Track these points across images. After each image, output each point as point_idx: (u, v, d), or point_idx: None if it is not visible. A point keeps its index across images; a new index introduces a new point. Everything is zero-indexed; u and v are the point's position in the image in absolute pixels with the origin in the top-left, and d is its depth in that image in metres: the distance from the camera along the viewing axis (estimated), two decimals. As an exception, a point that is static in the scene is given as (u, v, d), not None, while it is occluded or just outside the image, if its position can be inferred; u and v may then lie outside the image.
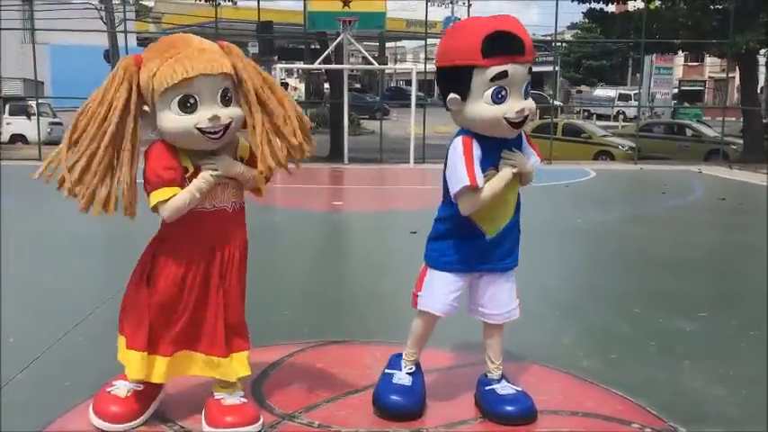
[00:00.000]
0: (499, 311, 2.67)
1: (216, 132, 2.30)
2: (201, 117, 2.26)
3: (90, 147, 2.28)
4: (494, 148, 2.48)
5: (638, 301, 4.37)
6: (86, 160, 2.28)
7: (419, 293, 2.66)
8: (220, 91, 2.30)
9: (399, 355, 2.80)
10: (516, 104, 2.38)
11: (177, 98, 2.25)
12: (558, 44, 22.01)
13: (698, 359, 3.39)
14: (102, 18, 19.92)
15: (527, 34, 2.39)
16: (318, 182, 11.97)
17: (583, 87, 52.01)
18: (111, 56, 19.84)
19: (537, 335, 3.71)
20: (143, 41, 29.70)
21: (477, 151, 2.43)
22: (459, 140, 2.45)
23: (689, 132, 19.71)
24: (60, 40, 20.25)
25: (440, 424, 2.62)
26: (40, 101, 17.08)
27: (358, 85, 40.87)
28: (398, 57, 57.10)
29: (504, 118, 2.38)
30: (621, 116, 35.96)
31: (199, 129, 2.27)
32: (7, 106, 19.70)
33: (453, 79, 2.41)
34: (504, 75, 2.34)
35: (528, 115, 2.43)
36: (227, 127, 2.32)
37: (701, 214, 8.62)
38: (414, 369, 2.75)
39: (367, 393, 2.80)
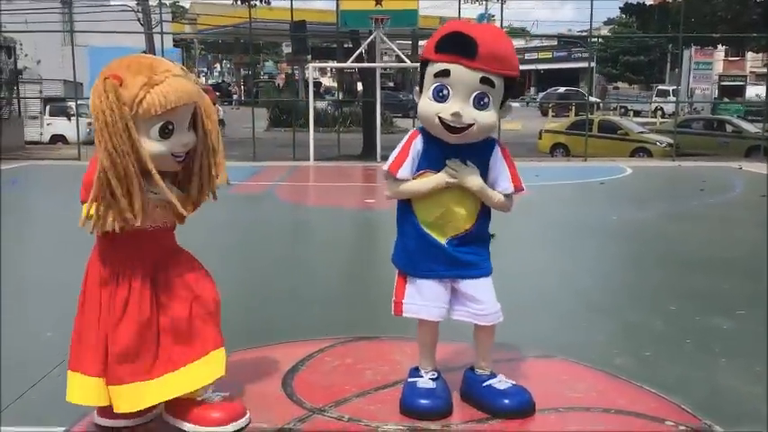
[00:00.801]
0: (486, 312, 2.61)
1: (181, 156, 2.35)
2: (176, 143, 2.31)
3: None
4: (443, 152, 2.48)
5: (674, 299, 4.30)
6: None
7: (403, 301, 2.62)
8: (189, 117, 2.35)
9: (418, 368, 2.77)
10: (454, 107, 2.38)
11: (159, 124, 2.26)
12: (594, 40, 21.68)
13: (734, 357, 3.32)
14: (139, 20, 20.23)
15: (492, 44, 2.34)
16: (351, 180, 12.00)
17: (619, 84, 51.28)
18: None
19: (571, 332, 3.68)
20: (179, 42, 30.14)
21: (418, 146, 2.50)
22: (410, 132, 2.57)
23: (729, 128, 19.29)
24: (98, 42, 20.59)
25: (468, 419, 2.62)
26: (79, 101, 17.36)
27: (391, 84, 40.83)
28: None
29: (439, 117, 2.40)
30: (660, 112, 35.34)
31: (172, 154, 2.31)
32: (48, 107, 20.12)
33: (420, 71, 2.50)
34: (445, 73, 2.37)
35: (472, 125, 2.40)
36: (188, 152, 2.38)
37: (740, 212, 8.44)
38: (436, 375, 2.74)
39: (396, 389, 2.80)
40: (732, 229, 7.12)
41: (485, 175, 2.53)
